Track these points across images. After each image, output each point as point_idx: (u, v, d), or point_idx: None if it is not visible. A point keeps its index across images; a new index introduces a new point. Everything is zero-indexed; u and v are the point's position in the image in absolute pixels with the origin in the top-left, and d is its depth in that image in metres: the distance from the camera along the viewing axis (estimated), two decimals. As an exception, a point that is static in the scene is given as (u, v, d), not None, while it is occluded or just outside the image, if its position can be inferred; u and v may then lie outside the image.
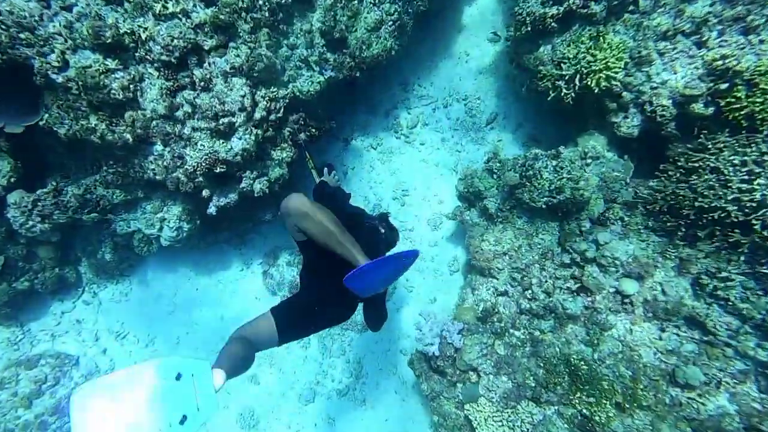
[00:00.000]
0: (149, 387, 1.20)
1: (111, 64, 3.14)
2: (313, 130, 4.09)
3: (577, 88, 3.56)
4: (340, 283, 1.80)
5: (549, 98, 3.75)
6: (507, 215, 4.05)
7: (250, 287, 5.87)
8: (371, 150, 5.92)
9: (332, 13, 3.70)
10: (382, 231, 2.76)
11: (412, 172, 5.75)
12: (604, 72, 3.38)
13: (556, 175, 3.53)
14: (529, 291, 3.59)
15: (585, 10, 3.49)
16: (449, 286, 5.39)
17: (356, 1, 3.80)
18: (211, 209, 3.91)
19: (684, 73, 3.17)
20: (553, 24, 3.68)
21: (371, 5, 3.89)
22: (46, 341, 5.05)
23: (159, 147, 3.60)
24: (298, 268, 5.73)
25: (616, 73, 3.37)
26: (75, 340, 5.20)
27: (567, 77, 3.57)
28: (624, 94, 3.49)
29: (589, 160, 3.71)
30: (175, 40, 3.08)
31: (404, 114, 5.89)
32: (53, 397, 4.63)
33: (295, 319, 1.93)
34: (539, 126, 5.28)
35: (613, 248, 3.21)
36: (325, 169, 3.25)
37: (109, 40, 3.02)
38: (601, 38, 3.41)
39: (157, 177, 3.73)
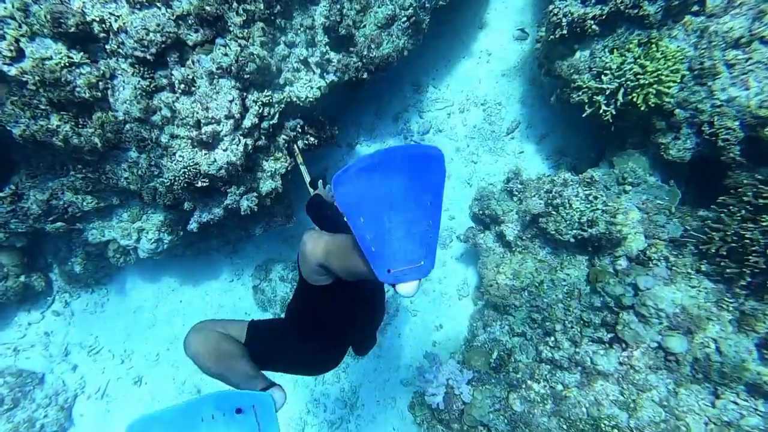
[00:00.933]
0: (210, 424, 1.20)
1: (76, 56, 2.76)
2: (312, 139, 3.70)
3: (619, 104, 3.14)
4: (336, 331, 1.71)
5: (584, 114, 3.34)
6: (527, 244, 3.65)
7: (239, 301, 5.54)
8: (377, 156, 5.52)
9: (338, 6, 3.29)
10: None
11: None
12: (655, 86, 2.95)
13: (588, 206, 3.12)
14: (552, 338, 3.20)
15: (635, 11, 3.06)
16: (457, 313, 5.01)
17: (366, -6, 3.40)
18: (192, 225, 3.54)
19: (759, 89, 2.74)
20: (593, 26, 3.26)
21: (383, -2, 3.49)
22: (7, 356, 4.72)
23: (133, 153, 3.23)
24: (293, 284, 5.38)
25: (670, 87, 2.95)
26: (41, 355, 4.89)
27: (608, 91, 3.15)
28: (677, 111, 3.07)
29: (627, 186, 3.30)
30: (152, 34, 2.69)
31: (415, 118, 5.48)
32: (10, 422, 4.31)
33: (268, 346, 1.72)
34: (567, 138, 4.85)
35: (656, 296, 2.81)
36: (319, 181, 2.96)
37: (73, 29, 2.63)
38: (653, 45, 2.98)
39: (131, 186, 3.37)
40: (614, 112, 3.17)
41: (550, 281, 3.48)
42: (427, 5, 3.72)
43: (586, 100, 3.31)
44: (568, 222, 3.21)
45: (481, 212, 4.01)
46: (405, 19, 3.56)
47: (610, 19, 3.26)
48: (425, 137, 5.43)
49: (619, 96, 3.09)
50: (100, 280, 5.20)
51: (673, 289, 2.83)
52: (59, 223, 3.67)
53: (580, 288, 3.36)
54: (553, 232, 3.29)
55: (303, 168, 3.33)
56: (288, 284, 5.42)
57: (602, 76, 3.20)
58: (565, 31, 3.33)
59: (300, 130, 3.71)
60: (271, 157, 3.67)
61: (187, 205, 3.56)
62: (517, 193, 3.77)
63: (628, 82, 3.04)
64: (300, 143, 3.87)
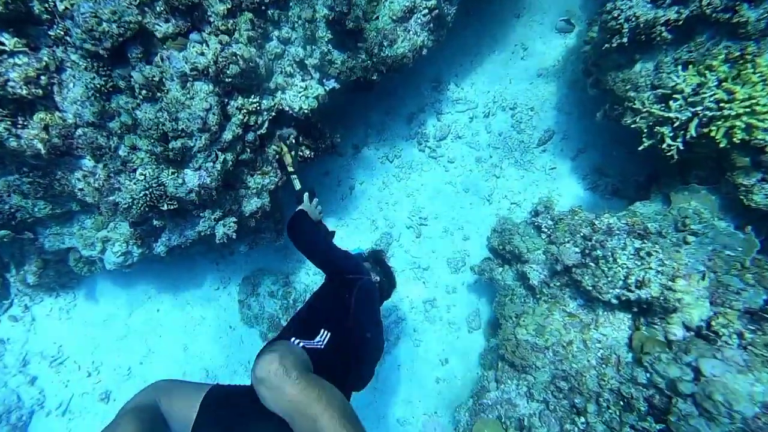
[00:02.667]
0: None
1: (8, 42, 2.29)
2: (308, 152, 3.23)
3: (689, 136, 2.62)
4: None
5: (641, 147, 2.81)
6: (555, 293, 3.20)
7: (224, 313, 5.19)
8: (386, 162, 5.04)
9: (346, -7, 2.76)
10: (376, 279, 2.50)
11: (435, 196, 4.88)
12: (746, 119, 2.42)
13: (638, 264, 2.64)
14: (582, 419, 2.78)
15: (726, 16, 2.49)
16: (466, 347, 4.62)
17: (381, -21, 2.85)
18: (160, 248, 3.14)
19: None
20: (664, 34, 2.71)
21: (402, -15, 2.94)
22: (-48, 367, 4.45)
23: (88, 162, 2.80)
24: (283, 301, 5.01)
25: (765, 121, 2.41)
26: (-6, 366, 4.61)
27: (676, 122, 2.62)
28: (770, 148, 2.54)
29: (689, 236, 2.80)
30: (105, 24, 2.21)
31: (432, 121, 4.96)
32: (-48, 449, 4.05)
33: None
34: (610, 155, 4.31)
35: (727, 388, 2.34)
36: (306, 195, 2.68)
37: (2, 7, 2.16)
38: (747, 64, 2.43)
39: (87, 199, 2.95)
40: (681, 148, 2.65)
41: (581, 341, 3.04)
42: (453, -4, 3.18)
43: (645, 129, 2.78)
44: (609, 279, 2.74)
45: (501, 247, 3.55)
46: (426, 11, 3.02)
47: (689, 26, 2.70)
48: (442, 143, 4.93)
49: (691, 129, 2.57)
50: (66, 284, 4.86)
51: (751, 379, 2.36)
52: (4, 231, 3.27)
53: (619, 354, 2.92)
54: (590, 288, 2.83)
55: (294, 177, 2.88)
56: (278, 300, 5.06)
57: (670, 101, 2.66)
58: (625, 40, 2.78)
59: (294, 141, 3.24)
60: (258, 172, 3.22)
61: (156, 222, 3.15)
62: (546, 230, 3.29)
63: (707, 112, 2.51)
64: (292, 152, 3.41)
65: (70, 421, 4.70)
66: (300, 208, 2.59)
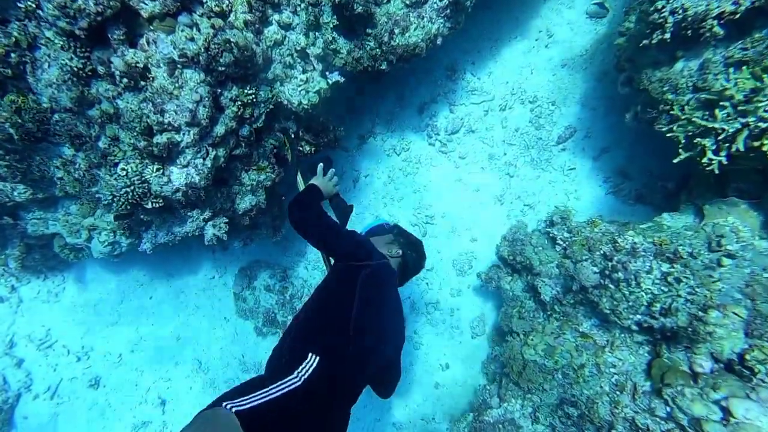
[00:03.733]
0: None
1: (-25, 18, 2.08)
2: (309, 148, 3.01)
3: (735, 151, 2.36)
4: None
5: (676, 160, 2.56)
6: (567, 311, 3.01)
7: (219, 303, 5.09)
8: (393, 154, 4.81)
9: (355, -28, 2.49)
10: (398, 252, 2.30)
11: (443, 193, 4.66)
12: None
13: (665, 290, 2.43)
14: (591, 451, 2.63)
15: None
16: (469, 353, 4.49)
17: (395, -42, 2.57)
18: (145, 245, 2.97)
19: None
20: (716, 29, 2.42)
21: (419, -34, 2.65)
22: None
23: (68, 150, 2.60)
24: (279, 296, 4.88)
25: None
26: (-22, 346, 4.55)
27: (722, 134, 2.35)
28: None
29: (725, 259, 2.56)
30: (81, 1, 1.97)
31: (444, 112, 4.69)
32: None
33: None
34: (635, 156, 4.04)
35: (759, 433, 2.17)
36: (320, 166, 2.37)
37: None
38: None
39: (68, 189, 2.78)
40: (725, 162, 2.40)
41: (594, 365, 2.86)
42: (476, -21, 2.88)
43: (682, 139, 2.52)
44: (631, 304, 2.53)
45: (511, 257, 3.34)
46: (444, -5, 2.74)
47: (746, 20, 2.40)
48: (453, 137, 4.67)
49: (739, 142, 2.31)
50: (54, 267, 4.75)
51: (793, 426, 2.18)
52: (-20, 217, 3.10)
53: (635, 381, 2.75)
54: (608, 312, 2.63)
55: (287, 147, 2.62)
56: (274, 295, 4.95)
57: (716, 109, 2.39)
58: (668, 36, 2.49)
59: (293, 136, 3.02)
60: (254, 167, 3.01)
61: (142, 216, 2.98)
62: (561, 242, 3.07)
63: (760, 123, 2.24)
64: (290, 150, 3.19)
65: (59, 405, 4.68)
66: (311, 182, 2.32)
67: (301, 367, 1.61)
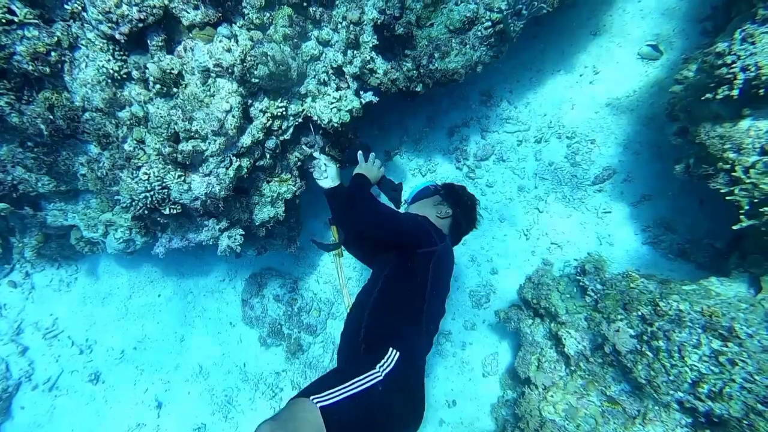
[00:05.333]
0: None
1: (20, 12, 2.09)
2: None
3: None
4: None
5: (735, 227, 2.38)
6: (594, 369, 2.83)
7: (227, 306, 5.07)
8: (418, 175, 4.73)
9: (402, -6, 2.43)
10: (448, 212, 2.35)
11: (465, 226, 4.53)
12: None
13: (715, 371, 2.24)
14: None
15: None
16: (478, 392, 4.32)
17: (443, -16, 2.51)
18: (159, 249, 2.96)
19: None
20: None
21: (466, -7, 2.58)
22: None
23: (94, 148, 2.61)
24: (287, 308, 4.82)
25: None
26: (-12, 330, 4.61)
27: None
28: None
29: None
30: (125, 7, 1.97)
31: (476, 137, 4.59)
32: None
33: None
34: (680, 208, 3.85)
35: None
36: (360, 154, 2.40)
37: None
38: None
39: (89, 186, 2.78)
40: None
41: (618, 433, 2.68)
42: (524, 12, 2.78)
43: (745, 205, 2.35)
44: (672, 379, 2.35)
45: (535, 301, 3.20)
46: (489, 24, 2.66)
47: None
48: (482, 164, 4.56)
49: None
50: (69, 257, 4.80)
51: None
52: (2, 205, 3.14)
53: (664, 462, 2.55)
54: (643, 381, 2.45)
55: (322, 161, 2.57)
56: (282, 306, 4.89)
57: None
58: (736, 93, 2.34)
59: (320, 151, 2.97)
60: (276, 179, 2.97)
61: (159, 218, 2.96)
62: (593, 294, 2.91)
63: None
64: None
65: (56, 398, 4.69)
66: (357, 171, 2.32)
67: (383, 361, 1.69)
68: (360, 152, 2.38)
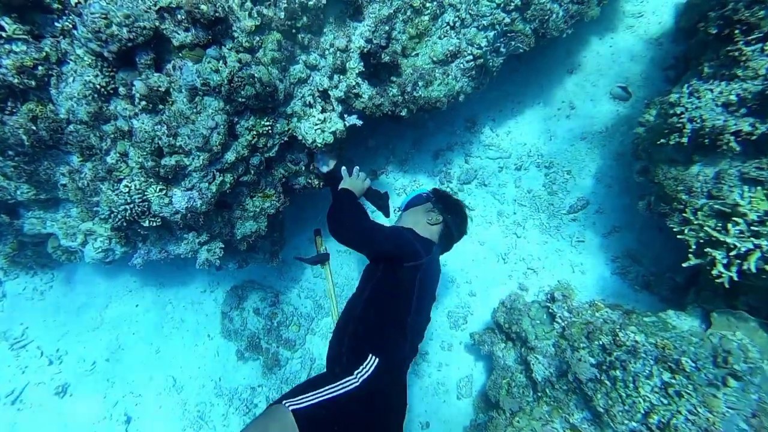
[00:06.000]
0: None
1: (8, 28, 2.11)
2: (318, 182, 3.01)
3: (747, 270, 2.29)
4: None
5: (685, 264, 2.49)
6: (559, 396, 2.88)
7: (206, 319, 4.99)
8: (403, 194, 4.79)
9: (387, 26, 2.53)
10: (439, 219, 2.43)
11: (445, 245, 4.60)
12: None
13: (664, 402, 2.31)
14: None
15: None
16: (452, 415, 4.30)
17: (426, 18, 2.60)
18: (137, 260, 2.93)
19: None
20: (733, 144, 2.40)
21: (448, 28, 2.69)
22: None
23: (76, 159, 2.61)
24: (267, 322, 4.77)
25: None
26: (-49, 340, 4.45)
27: (734, 249, 2.29)
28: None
29: (731, 380, 2.41)
30: (115, 28, 2.02)
31: (459, 161, 4.70)
32: None
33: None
34: (647, 242, 3.98)
35: None
36: (343, 169, 2.52)
37: (10, -6, 2.00)
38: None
39: (69, 196, 2.77)
40: (736, 278, 2.33)
41: (580, 459, 2.71)
42: (502, 50, 2.92)
43: (693, 245, 2.46)
44: (627, 409, 2.41)
45: (507, 326, 3.25)
46: (470, 58, 2.77)
47: (764, 141, 2.39)
48: (465, 187, 4.66)
49: (751, 263, 2.24)
50: (45, 264, 4.70)
51: None
52: (-21, 213, 3.09)
53: (621, 485, 2.58)
54: (602, 410, 2.51)
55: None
56: (262, 320, 4.84)
57: (729, 224, 2.34)
58: (685, 140, 2.47)
59: (304, 168, 3.02)
60: (260, 194, 2.99)
61: (139, 229, 2.95)
62: (560, 321, 2.98)
63: None
64: (301, 179, 3.19)
65: (19, 411, 4.50)
66: (342, 186, 2.39)
67: (361, 368, 1.73)
68: (344, 168, 2.46)
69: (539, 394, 3.00)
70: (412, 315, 1.96)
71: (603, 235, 4.19)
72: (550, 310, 3.08)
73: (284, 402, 1.52)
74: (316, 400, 1.56)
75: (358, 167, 2.53)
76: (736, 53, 2.29)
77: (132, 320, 4.94)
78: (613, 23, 4.33)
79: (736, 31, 2.31)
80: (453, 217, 2.49)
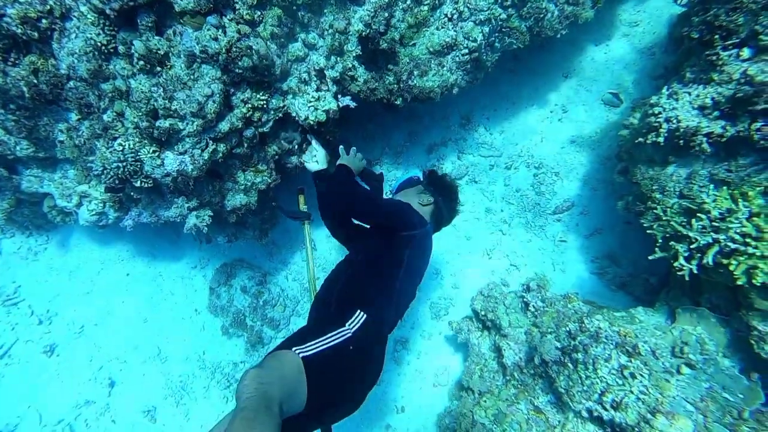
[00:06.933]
0: None
1: (15, -23, 2.17)
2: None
3: (705, 263, 2.34)
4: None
5: (651, 257, 2.55)
6: (526, 380, 2.92)
7: (194, 293, 5.02)
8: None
9: (386, 13, 2.58)
10: (430, 201, 2.48)
11: (434, 235, 4.65)
12: (771, 262, 2.15)
13: (619, 382, 2.36)
14: None
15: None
16: (427, 401, 4.33)
17: (426, 8, 2.65)
18: (127, 221, 2.98)
19: None
20: (705, 146, 2.46)
21: (446, 20, 2.74)
22: None
23: (74, 117, 2.65)
24: (253, 300, 4.81)
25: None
26: (-55, 291, 4.48)
27: (695, 244, 2.35)
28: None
29: (685, 368, 2.50)
30: (118, -18, 2.07)
31: (452, 157, 4.75)
32: None
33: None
34: (626, 245, 4.02)
35: None
36: (341, 147, 2.56)
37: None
38: (788, 203, 2.18)
39: (66, 153, 2.81)
40: (695, 271, 2.38)
41: (542, 444, 2.76)
42: (496, 45, 2.97)
43: (659, 239, 2.52)
44: (585, 389, 2.46)
45: (483, 313, 3.29)
46: (466, 51, 2.82)
47: (734, 144, 2.45)
48: (456, 183, 4.69)
49: (709, 256, 2.29)
50: (41, 226, 4.75)
51: None
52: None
53: (579, 468, 2.63)
54: (562, 391, 2.55)
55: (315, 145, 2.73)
56: (248, 297, 4.87)
57: (693, 220, 2.39)
58: (661, 140, 2.53)
59: (297, 147, 3.06)
60: (252, 168, 3.04)
61: (132, 192, 3.00)
62: (533, 309, 3.03)
63: (730, 243, 2.24)
64: (294, 158, 3.24)
65: (7, 366, 4.55)
66: (340, 162, 2.44)
67: (351, 321, 1.82)
68: (341, 146, 2.52)
69: (508, 378, 3.04)
70: (400, 281, 2.02)
71: (585, 236, 4.23)
72: (525, 300, 3.13)
73: (294, 349, 1.60)
74: (321, 347, 1.65)
75: (355, 148, 2.58)
76: (714, 57, 2.35)
77: (122, 288, 4.97)
78: (610, 31, 4.38)
79: (716, 37, 2.36)
80: (444, 199, 2.55)
